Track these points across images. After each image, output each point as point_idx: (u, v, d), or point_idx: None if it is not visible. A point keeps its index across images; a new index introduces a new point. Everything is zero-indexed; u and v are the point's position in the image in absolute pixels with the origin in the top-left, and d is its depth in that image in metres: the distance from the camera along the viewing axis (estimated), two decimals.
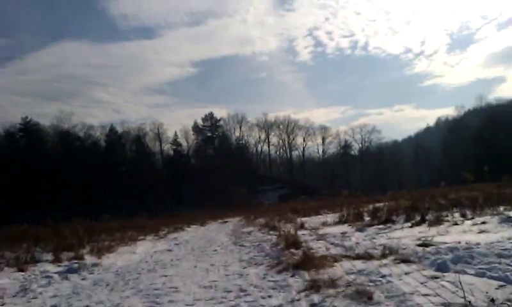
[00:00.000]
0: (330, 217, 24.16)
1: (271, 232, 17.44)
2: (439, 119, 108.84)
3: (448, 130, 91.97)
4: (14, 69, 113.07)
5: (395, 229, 12.68)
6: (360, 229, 13.69)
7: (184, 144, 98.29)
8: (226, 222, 31.84)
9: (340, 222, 17.43)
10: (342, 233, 13.24)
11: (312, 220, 22.53)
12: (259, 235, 17.07)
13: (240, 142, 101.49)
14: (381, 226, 13.84)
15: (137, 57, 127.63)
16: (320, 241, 12.07)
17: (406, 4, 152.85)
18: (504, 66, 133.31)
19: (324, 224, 18.01)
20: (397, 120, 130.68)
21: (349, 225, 15.60)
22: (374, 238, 11.22)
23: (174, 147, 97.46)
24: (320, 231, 14.73)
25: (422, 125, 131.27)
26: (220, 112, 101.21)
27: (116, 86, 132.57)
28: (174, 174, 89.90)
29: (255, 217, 29.93)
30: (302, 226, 17.15)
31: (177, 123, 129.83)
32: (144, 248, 16.21)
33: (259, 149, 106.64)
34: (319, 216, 27.83)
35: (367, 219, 16.84)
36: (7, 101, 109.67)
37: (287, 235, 12.19)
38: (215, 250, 13.29)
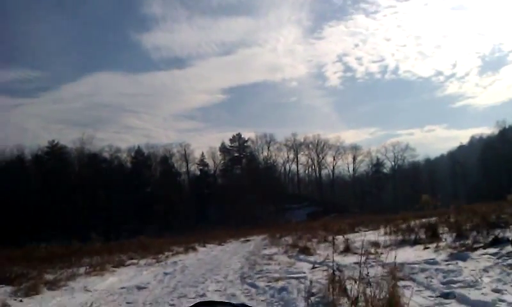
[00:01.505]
0: (374, 235, 18.37)
1: (302, 256, 11.64)
2: (473, 137, 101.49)
3: (486, 145, 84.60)
4: (49, 98, 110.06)
5: None
6: (460, 257, 7.67)
7: (211, 164, 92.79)
8: (248, 241, 26.92)
9: (405, 241, 11.36)
10: (429, 263, 7.35)
11: (353, 239, 16.67)
12: (284, 260, 11.27)
13: (268, 161, 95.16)
14: (494, 251, 7.81)
15: (169, 85, 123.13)
16: (405, 281, 6.16)
17: (436, 29, 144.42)
18: None
19: (376, 245, 12.06)
20: (428, 140, 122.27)
21: (426, 247, 9.62)
22: None
23: (200, 167, 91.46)
24: (384, 258, 8.80)
25: (453, 145, 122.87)
26: (249, 135, 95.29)
27: (148, 112, 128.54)
28: (200, 194, 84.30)
29: (281, 235, 24.75)
30: (347, 249, 11.24)
31: (206, 146, 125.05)
32: (114, 280, 10.63)
33: (287, 168, 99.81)
34: (356, 234, 22.22)
35: (446, 237, 10.82)
36: (40, 128, 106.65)
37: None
38: (201, 295, 7.42)
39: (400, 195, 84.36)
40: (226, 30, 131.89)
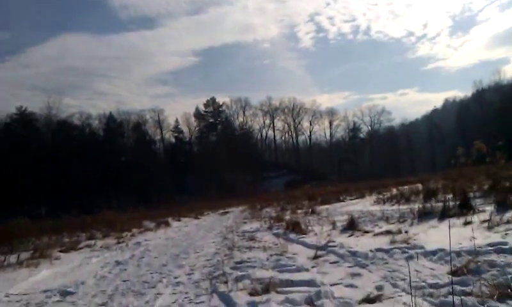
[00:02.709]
0: (365, 204, 15.95)
1: (293, 235, 9.03)
2: (446, 100, 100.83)
3: (462, 108, 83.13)
4: (15, 63, 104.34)
5: None
6: None
7: (186, 131, 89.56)
8: (227, 213, 24.82)
9: (426, 214, 8.62)
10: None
11: (346, 210, 14.19)
12: (271, 241, 8.67)
13: (244, 127, 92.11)
14: None
15: (140, 47, 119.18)
16: None
17: None
18: (508, 48, 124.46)
19: (386, 219, 9.45)
20: (401, 104, 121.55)
21: (467, 222, 6.96)
22: None
23: (175, 134, 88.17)
24: (418, 240, 6.12)
25: (426, 108, 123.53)
26: (223, 100, 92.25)
27: (119, 77, 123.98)
28: (176, 163, 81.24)
29: (262, 206, 23.34)
30: (352, 225, 8.60)
31: (180, 112, 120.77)
32: (47, 274, 7.93)
33: (264, 134, 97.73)
34: (343, 203, 19.93)
35: (479, 206, 8.23)
36: (9, 94, 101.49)
37: None
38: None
39: (378, 161, 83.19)
40: None
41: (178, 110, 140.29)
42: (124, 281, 6.33)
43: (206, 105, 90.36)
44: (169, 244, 11.57)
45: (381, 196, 17.74)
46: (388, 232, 7.12)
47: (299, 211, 17.01)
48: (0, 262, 9.40)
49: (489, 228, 6.13)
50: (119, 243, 12.97)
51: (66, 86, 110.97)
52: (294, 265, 5.69)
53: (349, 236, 7.80)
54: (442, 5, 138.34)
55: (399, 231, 6.99)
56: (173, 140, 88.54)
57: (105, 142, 78.81)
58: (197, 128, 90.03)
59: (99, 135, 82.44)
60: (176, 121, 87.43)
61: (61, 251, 11.45)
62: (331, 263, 5.67)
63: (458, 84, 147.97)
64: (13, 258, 9.81)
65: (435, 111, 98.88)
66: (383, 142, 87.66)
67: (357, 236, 7.55)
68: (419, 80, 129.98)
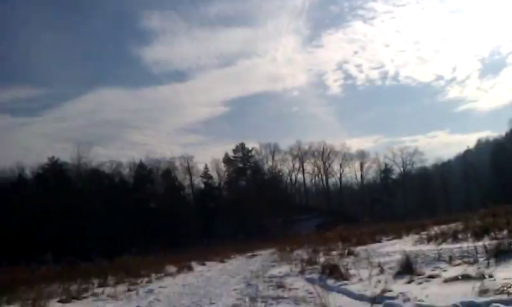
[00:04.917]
0: (406, 245, 13.95)
1: (331, 282, 7.10)
2: (479, 140, 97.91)
3: (497, 147, 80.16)
4: (52, 117, 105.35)
5: None
6: None
7: (215, 176, 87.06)
8: (255, 256, 23.48)
9: (503, 252, 6.56)
10: None
11: (386, 251, 12.20)
12: (304, 289, 6.79)
13: (274, 171, 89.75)
14: None
15: (170, 99, 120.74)
16: None
17: (434, 33, 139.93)
18: None
19: (449, 259, 7.42)
20: (432, 146, 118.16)
21: None
22: None
23: (205, 180, 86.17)
24: None
25: (457, 150, 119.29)
26: (252, 145, 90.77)
27: (151, 127, 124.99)
28: (205, 208, 79.59)
29: (292, 249, 21.27)
30: (409, 268, 6.59)
31: (210, 159, 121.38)
32: None
33: (293, 178, 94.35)
34: (380, 244, 17.91)
35: None
36: (45, 146, 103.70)
37: None
38: None
39: (411, 201, 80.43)
40: (225, 41, 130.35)
41: (208, 156, 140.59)
42: None
43: (235, 150, 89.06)
44: (184, 291, 9.89)
45: (422, 235, 15.82)
46: (465, 277, 5.13)
47: (333, 253, 15.04)
48: None
49: None
50: (129, 290, 11.27)
51: (98, 137, 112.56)
52: None
53: (408, 282, 5.85)
54: (471, 49, 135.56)
55: (481, 276, 4.99)
56: (203, 186, 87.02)
57: (135, 190, 78.03)
58: (226, 174, 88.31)
59: (129, 182, 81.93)
60: (206, 167, 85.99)
61: (60, 301, 9.80)
62: None
63: (490, 125, 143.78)
64: None
65: (468, 151, 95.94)
66: (416, 183, 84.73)
67: (420, 283, 5.60)
68: (450, 122, 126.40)
